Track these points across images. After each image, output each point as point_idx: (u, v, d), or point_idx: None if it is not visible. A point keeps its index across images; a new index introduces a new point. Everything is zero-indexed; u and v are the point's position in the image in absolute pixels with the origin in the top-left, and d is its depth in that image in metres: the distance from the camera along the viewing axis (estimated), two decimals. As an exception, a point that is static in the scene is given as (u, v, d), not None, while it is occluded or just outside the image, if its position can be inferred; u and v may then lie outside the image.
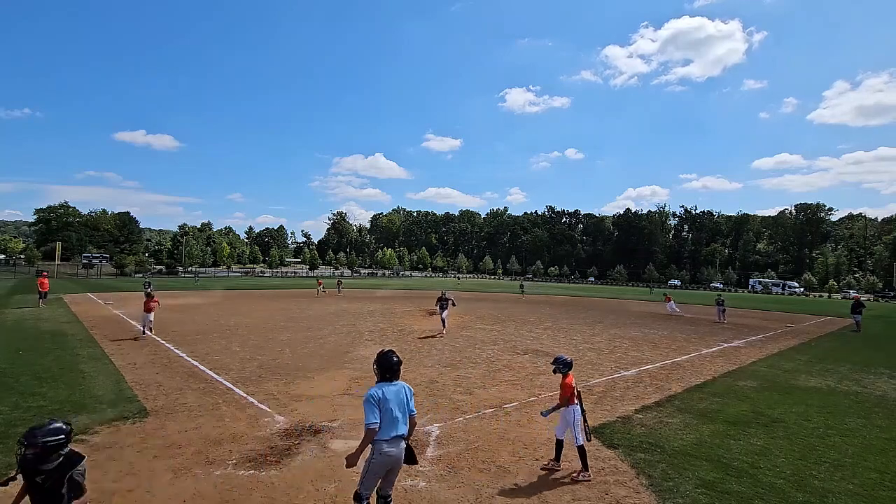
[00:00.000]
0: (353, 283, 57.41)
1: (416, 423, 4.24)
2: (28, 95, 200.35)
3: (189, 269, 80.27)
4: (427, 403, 8.33)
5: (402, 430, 4.02)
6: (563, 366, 5.75)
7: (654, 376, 11.07)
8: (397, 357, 4.16)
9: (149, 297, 15.04)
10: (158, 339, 14.33)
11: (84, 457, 3.21)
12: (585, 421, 5.71)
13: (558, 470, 5.67)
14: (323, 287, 37.91)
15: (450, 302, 16.66)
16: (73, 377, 9.51)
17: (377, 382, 4.08)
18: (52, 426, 3.05)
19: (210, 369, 10.50)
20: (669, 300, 30.81)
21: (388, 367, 4.07)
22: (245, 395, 8.62)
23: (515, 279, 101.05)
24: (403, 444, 4.05)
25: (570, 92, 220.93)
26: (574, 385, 5.70)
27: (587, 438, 5.65)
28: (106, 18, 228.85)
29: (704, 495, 5.14)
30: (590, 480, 5.43)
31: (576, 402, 5.63)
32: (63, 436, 3.06)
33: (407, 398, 4.10)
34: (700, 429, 7.37)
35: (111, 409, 7.57)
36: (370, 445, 3.95)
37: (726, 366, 12.65)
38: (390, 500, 4.21)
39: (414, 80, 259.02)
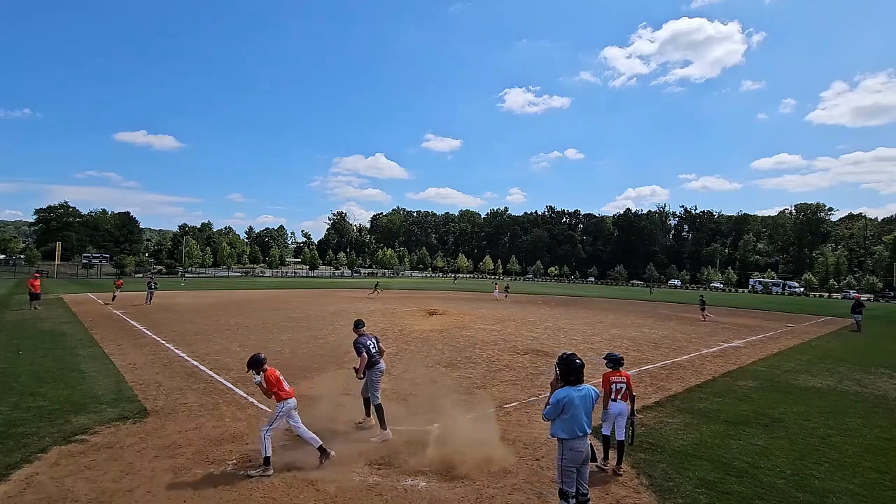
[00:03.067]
0: (397, 283, 57.30)
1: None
2: (28, 95, 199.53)
3: (188, 269, 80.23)
4: (427, 403, 8.33)
5: (587, 429, 4.23)
6: (609, 362, 6.03)
7: (654, 376, 11.08)
8: (580, 360, 4.33)
9: None
10: (158, 338, 14.33)
11: None
12: (632, 423, 5.95)
13: (606, 468, 5.74)
14: (119, 290, 27.96)
15: None
16: (73, 377, 9.52)
17: (562, 385, 4.28)
18: None
19: (210, 369, 10.51)
20: (497, 287, 40.26)
21: (571, 371, 4.26)
22: (245, 395, 8.62)
23: (515, 279, 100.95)
24: (589, 443, 4.31)
25: (569, 92, 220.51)
26: (615, 382, 5.85)
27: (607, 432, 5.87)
28: (106, 18, 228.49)
29: (704, 495, 5.14)
30: (605, 471, 5.66)
31: (615, 398, 5.79)
32: None
33: (593, 402, 4.31)
34: (700, 429, 7.37)
35: (111, 409, 7.57)
36: (562, 443, 4.21)
37: (726, 366, 12.65)
38: (587, 495, 4.33)
39: (414, 80, 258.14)
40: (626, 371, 6.08)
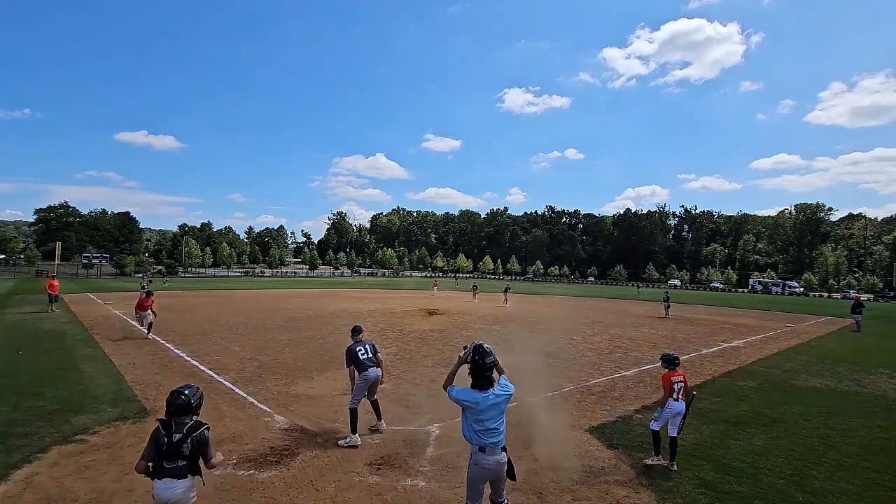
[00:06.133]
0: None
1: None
2: (28, 95, 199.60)
3: (187, 268, 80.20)
4: (427, 403, 8.33)
5: (499, 439, 3.73)
6: (665, 362, 6.08)
7: (655, 376, 11.05)
8: (491, 360, 3.85)
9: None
10: (158, 338, 14.33)
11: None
12: (684, 418, 5.94)
13: (661, 463, 5.85)
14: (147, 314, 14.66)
15: None
16: (73, 377, 9.51)
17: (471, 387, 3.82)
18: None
19: (210, 369, 10.51)
20: (437, 285, 43.36)
21: (479, 373, 3.80)
22: (245, 395, 8.62)
23: (514, 279, 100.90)
24: (504, 455, 3.76)
25: (569, 92, 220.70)
26: (675, 381, 5.91)
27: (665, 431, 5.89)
28: (106, 18, 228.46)
29: (704, 495, 5.15)
30: (674, 470, 5.71)
31: (677, 398, 5.85)
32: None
33: (503, 407, 3.83)
34: (700, 429, 7.37)
35: (111, 409, 7.57)
36: (471, 453, 3.78)
37: (726, 366, 12.65)
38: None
39: (414, 80, 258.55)
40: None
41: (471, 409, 3.70)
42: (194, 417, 3.60)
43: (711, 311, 33.01)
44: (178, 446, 3.41)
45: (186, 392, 3.57)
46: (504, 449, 3.80)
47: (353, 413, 6.42)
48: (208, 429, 3.58)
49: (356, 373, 6.52)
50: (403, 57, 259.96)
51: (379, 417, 6.91)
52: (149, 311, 14.30)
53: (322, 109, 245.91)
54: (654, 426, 5.95)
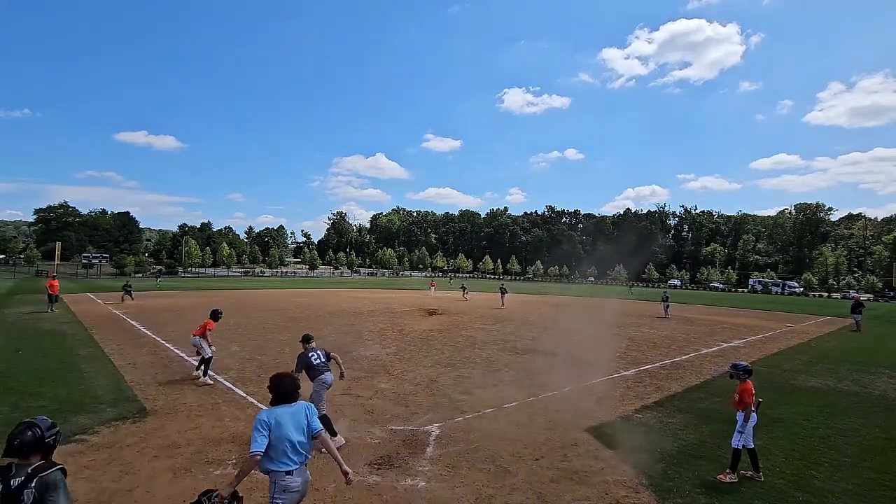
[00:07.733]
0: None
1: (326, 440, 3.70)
2: (28, 95, 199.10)
3: (187, 269, 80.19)
4: (427, 403, 8.34)
5: (302, 455, 3.46)
6: (742, 372, 5.80)
7: (654, 376, 11.07)
8: (290, 379, 3.65)
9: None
10: (158, 338, 14.34)
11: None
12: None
13: (735, 480, 5.52)
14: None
15: None
16: (73, 377, 9.51)
17: (270, 406, 3.57)
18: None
19: (210, 369, 10.49)
20: (433, 285, 43.76)
21: (281, 393, 3.56)
22: (245, 395, 8.62)
23: (514, 279, 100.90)
24: (308, 474, 3.56)
25: (568, 93, 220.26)
26: (754, 392, 5.71)
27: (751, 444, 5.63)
28: (107, 19, 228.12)
29: (704, 495, 5.15)
30: (761, 480, 5.55)
31: (756, 409, 5.67)
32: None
33: (308, 418, 3.54)
34: (700, 429, 7.37)
35: (111, 409, 7.57)
36: (271, 482, 3.41)
37: (726, 366, 12.64)
38: None
39: (414, 80, 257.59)
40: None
41: (275, 425, 3.41)
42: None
43: (711, 310, 33.02)
44: (17, 494, 2.47)
45: (40, 425, 2.66)
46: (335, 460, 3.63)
47: (325, 419, 6.20)
48: (63, 472, 2.66)
49: (313, 378, 6.42)
50: (403, 57, 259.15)
51: (333, 434, 6.28)
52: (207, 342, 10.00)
53: (322, 109, 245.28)
54: (748, 443, 5.55)
